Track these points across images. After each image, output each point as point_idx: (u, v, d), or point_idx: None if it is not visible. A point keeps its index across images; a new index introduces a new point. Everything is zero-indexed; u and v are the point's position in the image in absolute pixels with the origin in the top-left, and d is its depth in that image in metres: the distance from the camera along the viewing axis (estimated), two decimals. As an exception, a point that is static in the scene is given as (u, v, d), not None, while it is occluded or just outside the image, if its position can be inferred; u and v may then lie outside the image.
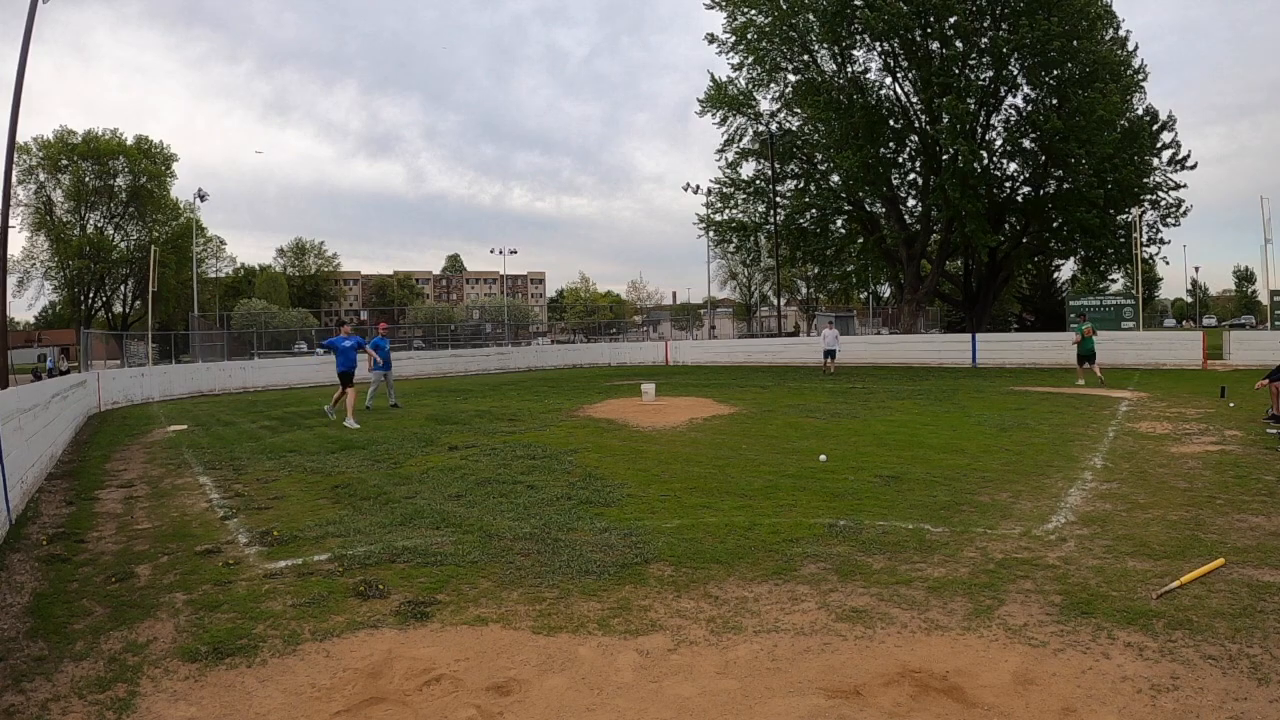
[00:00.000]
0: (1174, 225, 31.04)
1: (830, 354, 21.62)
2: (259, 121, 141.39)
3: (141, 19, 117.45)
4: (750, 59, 31.59)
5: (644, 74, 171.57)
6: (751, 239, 36.55)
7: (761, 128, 33.56)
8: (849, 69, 30.62)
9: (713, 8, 31.04)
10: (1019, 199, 31.55)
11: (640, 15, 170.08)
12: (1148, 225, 30.04)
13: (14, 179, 29.00)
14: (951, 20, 26.90)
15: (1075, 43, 25.85)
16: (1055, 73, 26.96)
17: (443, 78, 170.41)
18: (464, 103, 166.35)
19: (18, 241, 53.66)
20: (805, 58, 31.04)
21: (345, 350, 12.16)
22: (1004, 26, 26.94)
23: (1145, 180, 29.30)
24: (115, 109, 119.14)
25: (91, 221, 54.33)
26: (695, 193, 61.80)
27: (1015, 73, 28.14)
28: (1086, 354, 15.26)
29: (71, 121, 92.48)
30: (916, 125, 30.48)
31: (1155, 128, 29.80)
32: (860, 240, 34.44)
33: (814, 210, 34.24)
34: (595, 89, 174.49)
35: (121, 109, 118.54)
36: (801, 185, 34.74)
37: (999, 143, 30.32)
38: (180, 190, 62.50)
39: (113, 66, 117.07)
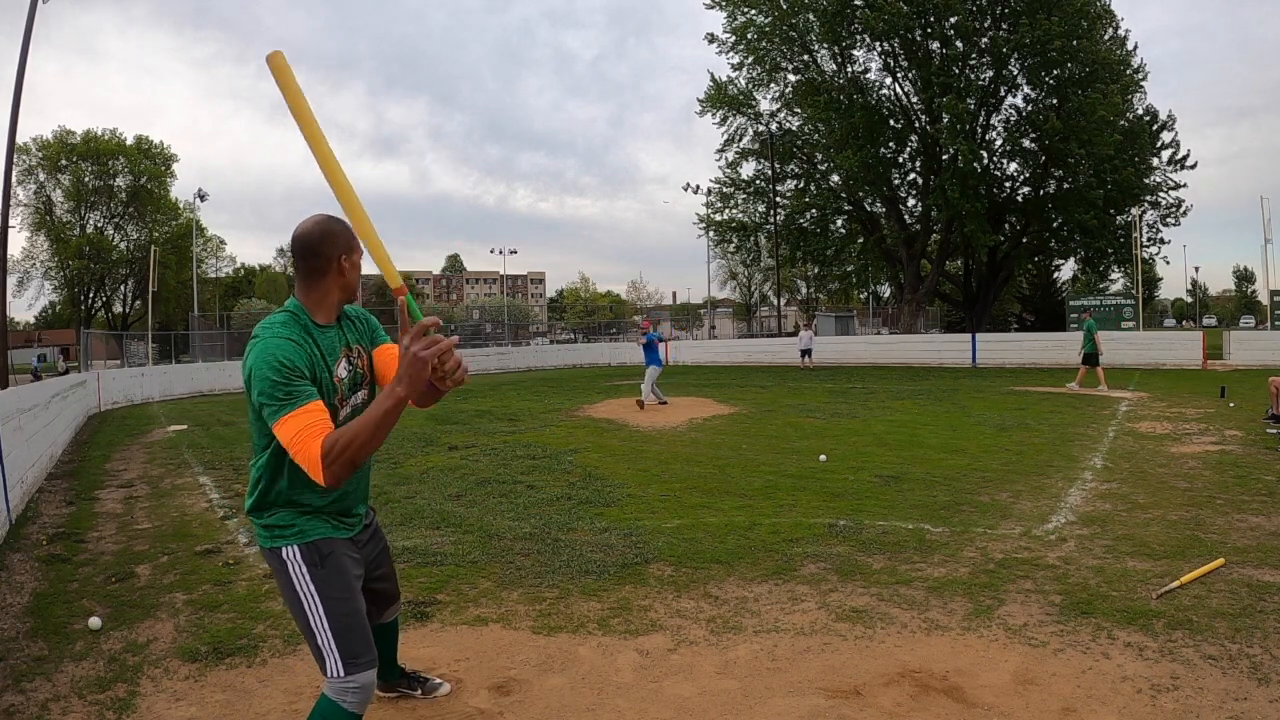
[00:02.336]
0: (1174, 225, 31.09)
1: (806, 353, 24.03)
2: (266, 123, 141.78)
3: (149, 20, 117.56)
4: (750, 59, 31.59)
5: (650, 75, 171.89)
6: (751, 239, 36.55)
7: (761, 128, 33.57)
8: (849, 69, 30.62)
9: (713, 7, 31.05)
10: (1019, 199, 31.56)
11: (648, 18, 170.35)
12: (1147, 225, 30.05)
13: (14, 179, 29.00)
14: (952, 20, 26.90)
15: (1075, 43, 25.85)
16: (1055, 73, 26.96)
17: (450, 79, 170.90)
18: (471, 104, 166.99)
19: (18, 241, 53.65)
20: (805, 57, 31.04)
21: None
22: (1004, 26, 26.94)
23: (1145, 180, 29.30)
24: (122, 110, 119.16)
25: (91, 221, 54.30)
26: (695, 193, 61.71)
27: (1015, 73, 28.15)
28: (1091, 354, 14.51)
29: (79, 122, 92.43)
30: (916, 125, 30.48)
31: (1155, 128, 29.81)
32: (860, 240, 34.44)
33: (814, 210, 34.24)
34: (601, 90, 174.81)
35: (128, 110, 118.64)
36: (801, 185, 34.74)
37: (999, 143, 30.32)
38: (182, 190, 62.58)
39: (119, 68, 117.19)
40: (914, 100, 30.19)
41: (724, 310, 74.99)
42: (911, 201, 33.53)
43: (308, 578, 2.05)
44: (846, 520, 5.09)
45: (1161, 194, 30.39)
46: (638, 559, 4.41)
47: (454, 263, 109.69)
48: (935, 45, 28.37)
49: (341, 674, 2.03)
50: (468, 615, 3.66)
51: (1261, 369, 16.38)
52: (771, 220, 34.20)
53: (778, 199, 33.96)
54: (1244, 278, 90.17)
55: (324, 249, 2.04)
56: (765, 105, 33.16)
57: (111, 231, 55.01)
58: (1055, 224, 30.75)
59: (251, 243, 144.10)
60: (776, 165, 33.51)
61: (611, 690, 2.87)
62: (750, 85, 32.66)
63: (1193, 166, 30.30)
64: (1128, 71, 28.57)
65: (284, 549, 2.06)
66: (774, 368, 24.86)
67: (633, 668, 3.06)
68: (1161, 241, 31.39)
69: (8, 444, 6.01)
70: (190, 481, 7.64)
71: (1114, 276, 41.49)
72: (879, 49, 29.64)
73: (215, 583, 4.27)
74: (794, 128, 33.34)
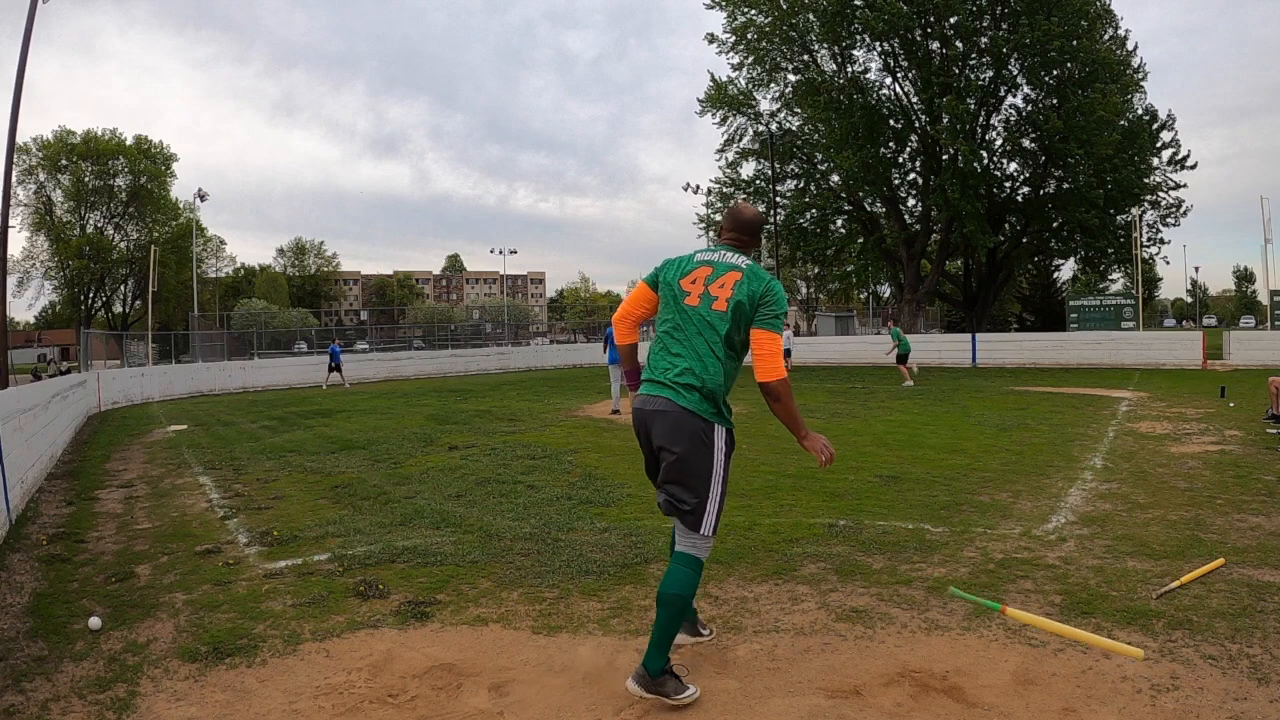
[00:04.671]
0: (1174, 225, 31.14)
1: (786, 353, 24.00)
2: (267, 123, 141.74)
3: (150, 21, 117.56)
4: (750, 59, 31.60)
5: (651, 76, 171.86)
6: (751, 239, 36.51)
7: (761, 128, 33.56)
8: (849, 69, 30.62)
9: (713, 7, 31.06)
10: (1019, 199, 31.56)
11: (648, 18, 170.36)
12: (1148, 225, 30.08)
13: (14, 179, 29.00)
14: (952, 20, 26.91)
15: (1075, 43, 25.88)
16: (1055, 73, 26.98)
17: (450, 79, 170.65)
18: (471, 104, 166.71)
19: (18, 241, 53.75)
20: (805, 58, 31.04)
21: None
22: (1004, 26, 26.95)
23: (1145, 180, 29.32)
24: (122, 110, 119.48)
25: (91, 221, 54.35)
26: (695, 193, 61.67)
27: (1015, 73, 28.16)
28: (906, 353, 16.84)
29: (79, 122, 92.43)
30: (916, 125, 30.47)
31: (1155, 127, 29.82)
32: (860, 240, 34.44)
33: (814, 210, 34.24)
34: (602, 90, 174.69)
35: (128, 110, 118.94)
36: (801, 185, 34.74)
37: (999, 143, 30.33)
38: (182, 190, 62.64)
39: (120, 68, 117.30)
40: (914, 100, 30.19)
41: (724, 310, 74.86)
42: (911, 201, 33.54)
43: (725, 455, 2.74)
44: (846, 520, 5.09)
45: (1161, 194, 30.42)
46: (638, 559, 4.41)
47: (454, 263, 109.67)
48: (935, 45, 28.37)
49: (713, 531, 2.70)
50: (468, 615, 3.66)
51: (1261, 369, 16.38)
52: (771, 220, 34.19)
53: (778, 199, 33.96)
54: (1244, 278, 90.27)
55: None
56: (765, 105, 33.20)
57: (111, 231, 55.05)
58: (1055, 224, 30.76)
59: (251, 243, 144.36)
60: (776, 165, 33.51)
61: (612, 690, 2.87)
62: (750, 85, 32.67)
63: (1193, 167, 30.34)
64: (1127, 71, 28.57)
65: (720, 428, 2.72)
66: (774, 368, 24.83)
67: (633, 668, 3.05)
68: (1161, 241, 31.44)
69: (8, 444, 6.01)
70: (190, 481, 7.64)
71: (1114, 276, 41.60)
72: (879, 49, 29.64)
73: (215, 583, 4.27)
74: (794, 128, 33.35)
